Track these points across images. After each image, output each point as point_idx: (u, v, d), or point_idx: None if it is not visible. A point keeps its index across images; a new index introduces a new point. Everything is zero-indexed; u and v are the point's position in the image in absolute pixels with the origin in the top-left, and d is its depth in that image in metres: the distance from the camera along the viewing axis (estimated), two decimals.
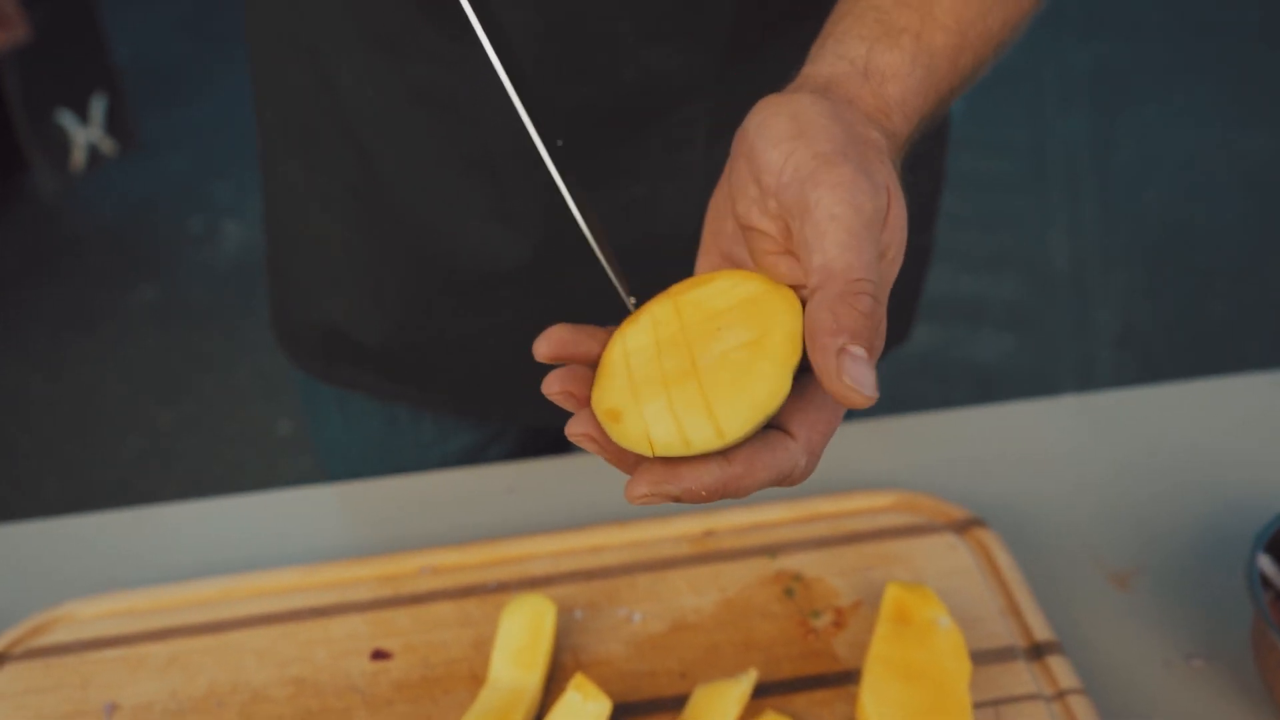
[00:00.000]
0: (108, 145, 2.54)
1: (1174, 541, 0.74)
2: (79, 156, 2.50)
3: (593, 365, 0.47)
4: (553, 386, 0.45)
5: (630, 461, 0.44)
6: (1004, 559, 0.69)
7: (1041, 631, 0.65)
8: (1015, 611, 0.67)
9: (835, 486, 0.78)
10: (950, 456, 0.81)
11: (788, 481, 0.43)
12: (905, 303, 0.90)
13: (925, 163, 0.84)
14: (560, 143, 0.48)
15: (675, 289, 0.48)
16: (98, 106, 2.50)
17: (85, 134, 2.50)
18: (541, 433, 0.91)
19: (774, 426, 0.44)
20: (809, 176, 0.44)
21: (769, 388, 0.42)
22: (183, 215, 2.61)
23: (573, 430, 0.44)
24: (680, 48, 0.67)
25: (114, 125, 2.54)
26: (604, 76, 0.67)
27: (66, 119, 2.46)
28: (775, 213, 0.46)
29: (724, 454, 0.42)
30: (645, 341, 0.46)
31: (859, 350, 0.41)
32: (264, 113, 0.80)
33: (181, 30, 3.25)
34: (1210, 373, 0.88)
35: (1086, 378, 2.14)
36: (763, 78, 0.71)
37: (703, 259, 0.51)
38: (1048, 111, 2.88)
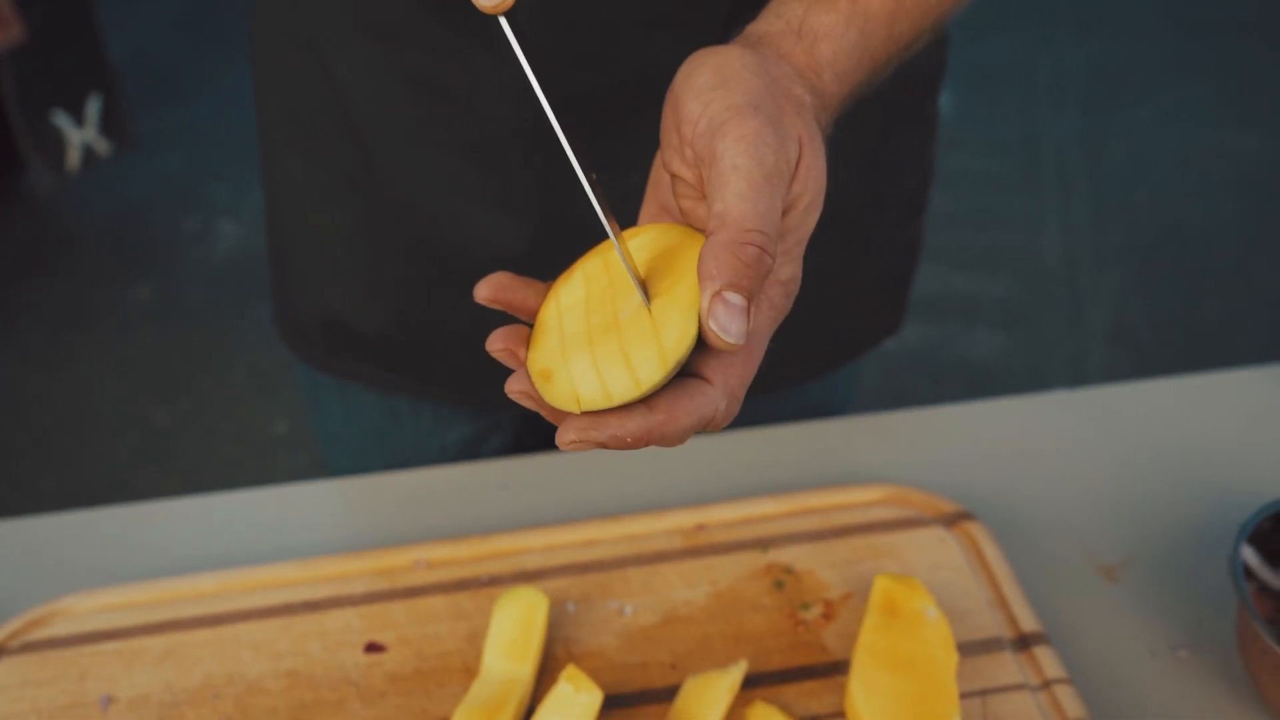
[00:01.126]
0: (103, 145, 2.54)
1: (1161, 534, 0.75)
2: (74, 156, 2.51)
3: (531, 317, 0.49)
4: (495, 344, 0.47)
5: (564, 419, 0.45)
6: (992, 552, 0.70)
7: (1028, 623, 0.66)
8: (1003, 603, 0.68)
9: (826, 481, 0.78)
10: (940, 451, 0.81)
11: (711, 425, 0.45)
12: (896, 294, 0.90)
13: (914, 155, 0.84)
14: (594, 176, 0.49)
15: (607, 244, 0.50)
16: (93, 106, 2.50)
17: (80, 134, 2.50)
18: (539, 423, 0.92)
19: (693, 375, 0.45)
20: (719, 127, 0.45)
21: (676, 333, 0.44)
22: (179, 214, 2.61)
23: (511, 388, 0.46)
24: (678, 37, 0.67)
25: (109, 125, 2.54)
26: (602, 65, 0.68)
27: (62, 119, 2.46)
28: (691, 161, 0.47)
29: (647, 403, 0.44)
30: (577, 298, 0.48)
31: (735, 297, 0.42)
32: (264, 105, 0.80)
33: (177, 30, 3.25)
34: (1202, 369, 0.89)
35: (1079, 375, 2.15)
36: None
37: (644, 209, 0.53)
38: (1041, 110, 2.88)
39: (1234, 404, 0.85)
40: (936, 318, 2.29)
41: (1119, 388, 0.88)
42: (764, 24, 0.52)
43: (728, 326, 0.43)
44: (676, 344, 0.44)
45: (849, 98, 0.53)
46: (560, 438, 0.44)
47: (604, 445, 0.44)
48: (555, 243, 0.75)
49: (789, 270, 0.48)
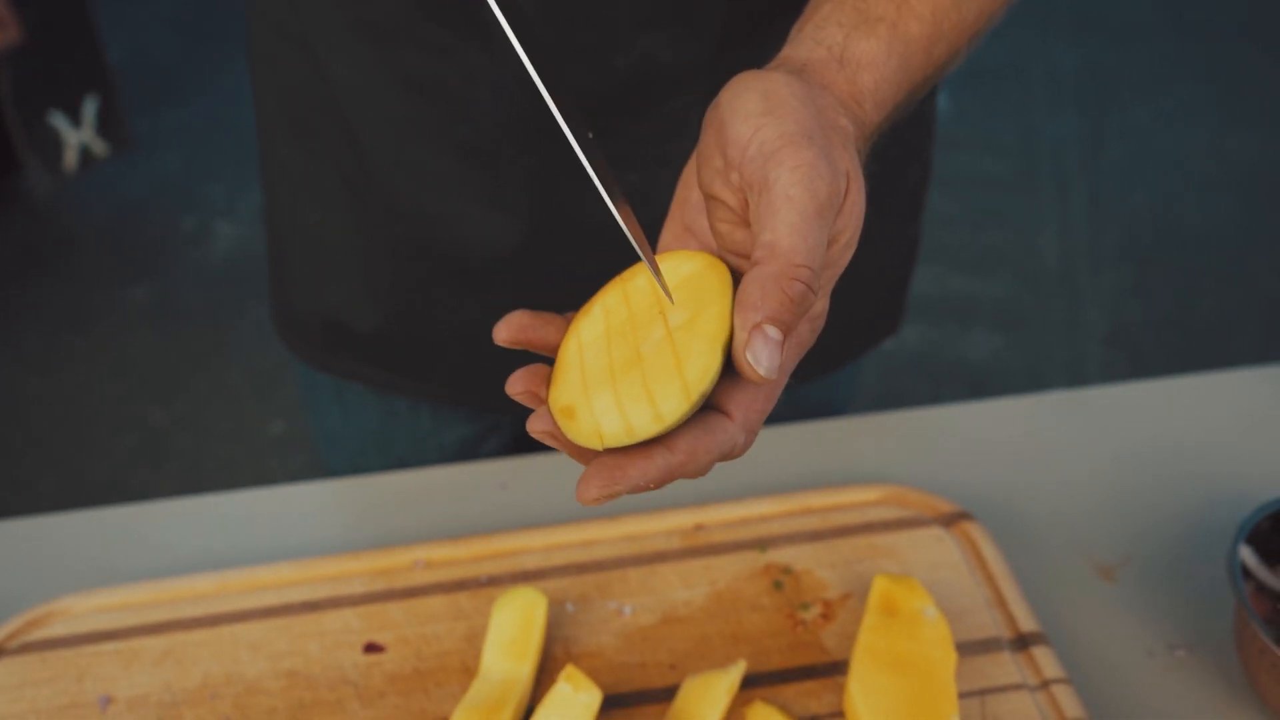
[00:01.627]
0: (100, 146, 2.54)
1: (1159, 534, 0.75)
2: (71, 157, 2.50)
3: (553, 353, 0.48)
4: (515, 387, 0.46)
5: (589, 456, 0.45)
6: (990, 552, 0.70)
7: (1027, 623, 0.66)
8: (1001, 603, 0.68)
9: (825, 481, 0.78)
10: (939, 451, 0.81)
11: (728, 458, 0.45)
12: (894, 294, 0.90)
13: (913, 155, 0.84)
14: (590, 135, 0.49)
15: (625, 275, 0.49)
16: (90, 107, 2.50)
17: (77, 135, 2.50)
18: None
19: (712, 407, 0.45)
20: (772, 154, 0.45)
21: (699, 367, 0.43)
22: (176, 215, 2.61)
23: (534, 428, 0.45)
24: (674, 36, 0.68)
25: (106, 126, 2.54)
26: (598, 64, 0.68)
27: (58, 120, 2.46)
28: (736, 185, 0.47)
29: (666, 443, 0.43)
30: (597, 332, 0.47)
31: (773, 331, 0.42)
32: (262, 104, 0.80)
33: (174, 31, 3.24)
34: (1199, 369, 0.89)
35: (1076, 376, 2.16)
36: (756, 66, 0.72)
37: (667, 229, 0.53)
38: (1037, 111, 2.89)
39: (1231, 404, 0.85)
40: (935, 319, 2.29)
41: (1117, 388, 0.88)
42: (804, 50, 0.51)
43: (761, 359, 0.42)
44: (699, 378, 0.43)
45: (886, 125, 0.53)
46: (582, 496, 0.43)
47: (627, 493, 0.43)
48: (549, 240, 0.75)
49: (820, 305, 0.47)
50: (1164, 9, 3.26)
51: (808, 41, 0.52)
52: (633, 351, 0.46)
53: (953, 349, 2.24)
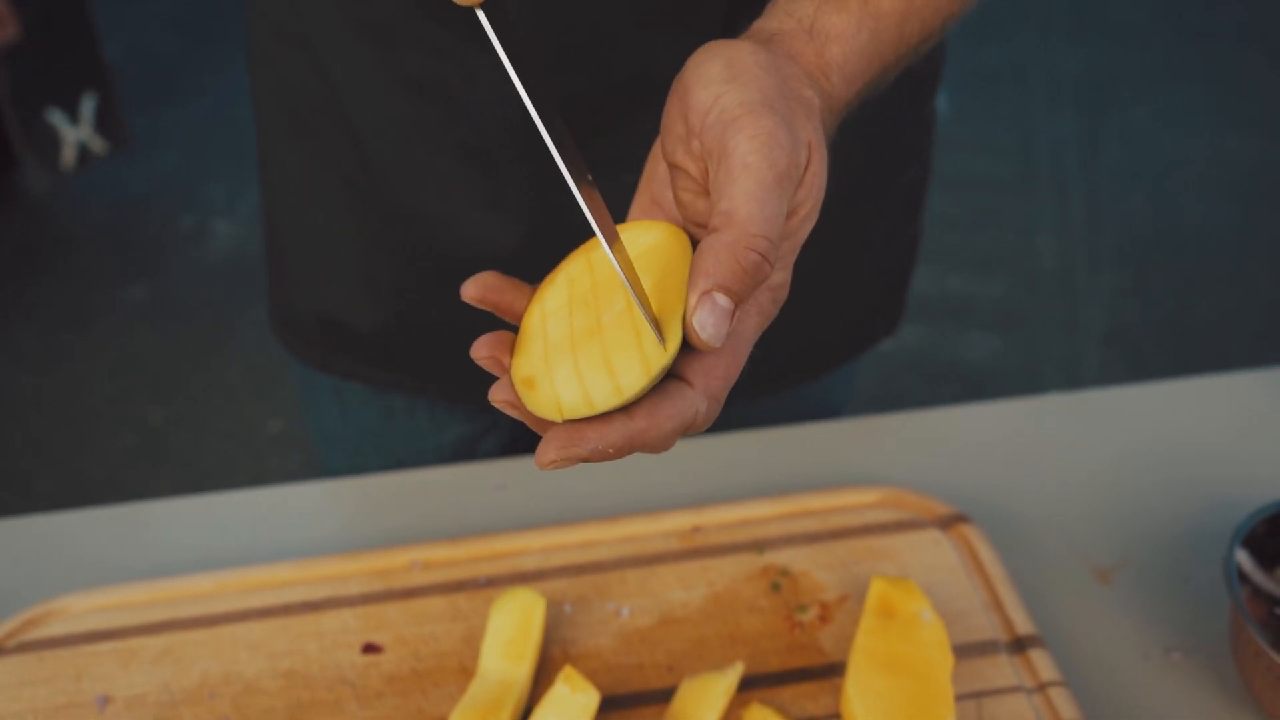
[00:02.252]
0: (98, 144, 2.53)
1: (1155, 537, 0.75)
2: (69, 155, 2.50)
3: (518, 320, 0.48)
4: (480, 350, 0.46)
5: (548, 427, 0.44)
6: (987, 554, 0.70)
7: (1023, 625, 0.66)
8: (998, 606, 0.68)
9: (823, 483, 0.79)
10: (937, 453, 0.82)
11: (693, 428, 0.45)
12: (894, 293, 0.90)
13: (913, 155, 0.85)
14: (590, 178, 0.49)
15: (589, 244, 0.49)
16: (88, 105, 2.50)
17: (75, 133, 2.49)
18: None
19: (674, 376, 0.44)
20: (731, 122, 0.44)
21: (657, 338, 0.43)
22: (173, 214, 2.61)
23: (494, 397, 0.45)
24: (674, 37, 0.68)
25: (104, 124, 2.53)
26: (598, 65, 0.68)
27: (56, 117, 2.46)
28: (697, 153, 0.46)
29: (627, 411, 0.43)
30: (560, 302, 0.47)
31: (723, 299, 0.42)
32: (262, 106, 0.80)
33: (172, 29, 3.24)
34: (1196, 372, 0.89)
35: (1074, 377, 2.16)
36: None
37: (635, 202, 0.53)
38: (1036, 113, 2.89)
39: (1228, 407, 0.85)
40: (933, 320, 2.30)
41: (1114, 390, 0.88)
42: (774, 21, 0.51)
43: (707, 326, 0.42)
44: (658, 351, 0.43)
45: (856, 100, 0.52)
46: (540, 458, 0.43)
47: (586, 459, 0.43)
48: (549, 242, 0.75)
49: (780, 276, 0.47)
50: (1163, 11, 3.26)
51: (779, 14, 0.52)
52: (594, 321, 0.46)
53: (951, 350, 2.25)
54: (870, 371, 2.16)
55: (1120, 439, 0.82)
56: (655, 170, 0.52)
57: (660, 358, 0.43)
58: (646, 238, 0.48)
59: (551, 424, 0.44)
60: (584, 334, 0.45)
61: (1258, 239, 2.49)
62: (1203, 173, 2.69)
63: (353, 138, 0.75)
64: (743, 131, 0.44)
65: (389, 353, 0.83)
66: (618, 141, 0.72)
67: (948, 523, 0.73)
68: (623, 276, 0.45)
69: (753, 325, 0.47)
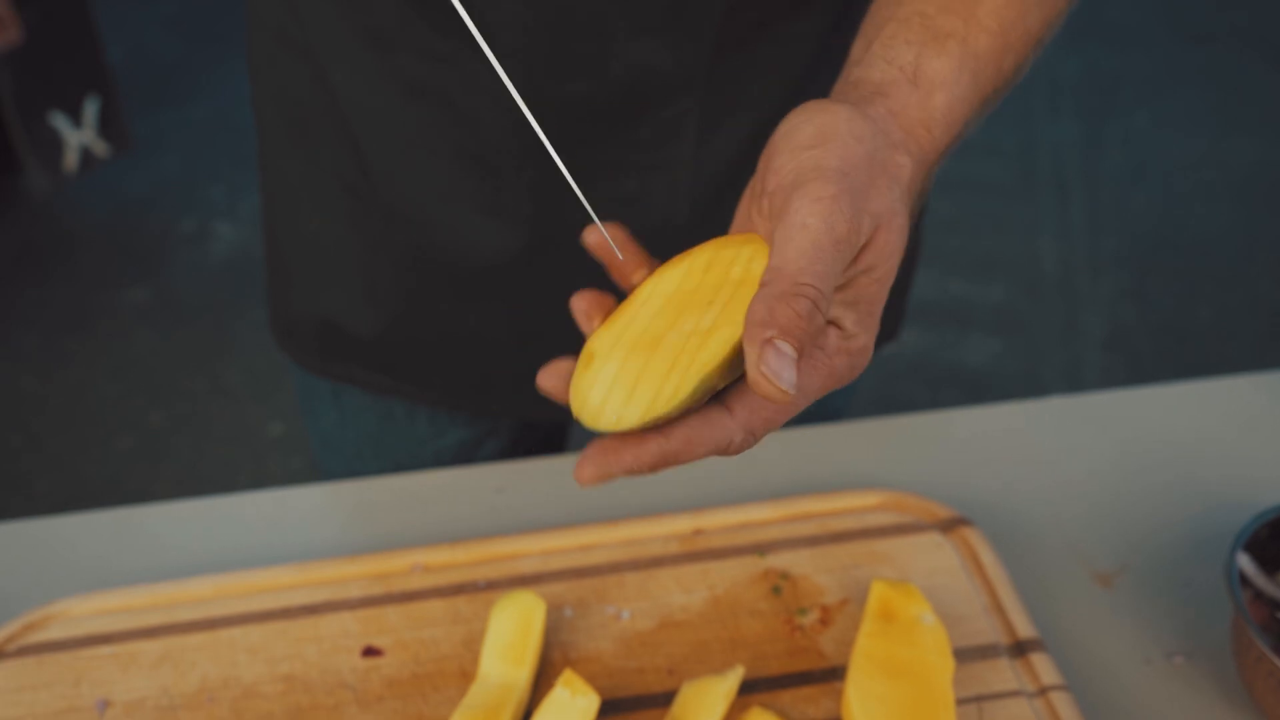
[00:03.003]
0: (100, 146, 2.54)
1: (1158, 541, 0.75)
2: (72, 158, 2.51)
3: (622, 282, 0.50)
4: (579, 303, 0.48)
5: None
6: (988, 557, 0.70)
7: (1025, 629, 0.66)
8: (999, 609, 0.68)
9: (823, 486, 0.78)
10: (937, 457, 0.82)
11: (725, 453, 0.45)
12: (894, 299, 0.90)
13: None
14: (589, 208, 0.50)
15: (725, 240, 0.49)
16: (90, 108, 2.50)
17: (78, 135, 2.50)
18: (535, 428, 0.92)
19: (718, 401, 0.45)
20: (800, 185, 0.45)
21: (695, 374, 0.44)
22: (175, 216, 2.61)
23: (542, 383, 0.47)
24: (669, 42, 0.68)
25: (106, 126, 2.54)
26: (594, 70, 0.68)
27: (59, 120, 2.46)
28: (766, 213, 0.47)
29: (664, 431, 0.44)
30: (668, 288, 0.48)
31: (786, 346, 0.42)
32: (261, 110, 0.80)
33: (174, 32, 3.25)
34: (1197, 375, 0.89)
35: (1075, 381, 2.16)
36: (751, 72, 0.72)
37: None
38: (1037, 117, 2.89)
39: (1230, 411, 0.85)
40: (933, 324, 2.30)
41: (1115, 394, 0.88)
42: (877, 71, 0.51)
43: (778, 373, 0.41)
44: (699, 384, 0.44)
45: (955, 144, 0.52)
46: (579, 475, 0.44)
47: (621, 476, 0.44)
48: (548, 248, 0.75)
49: (862, 340, 0.47)
50: (1163, 14, 3.27)
51: (879, 62, 0.51)
52: (666, 329, 0.46)
53: (951, 354, 2.24)
54: (871, 375, 2.16)
55: (1121, 442, 0.82)
56: (741, 227, 0.52)
57: (695, 393, 0.44)
58: (759, 264, 0.47)
59: (587, 451, 0.45)
60: (648, 339, 0.46)
61: (1259, 242, 2.49)
62: (1203, 176, 2.69)
63: (352, 143, 0.75)
64: (807, 195, 0.44)
65: (389, 358, 0.83)
66: (614, 146, 0.72)
67: (949, 526, 0.73)
68: (610, 242, 0.46)
69: (817, 384, 0.46)
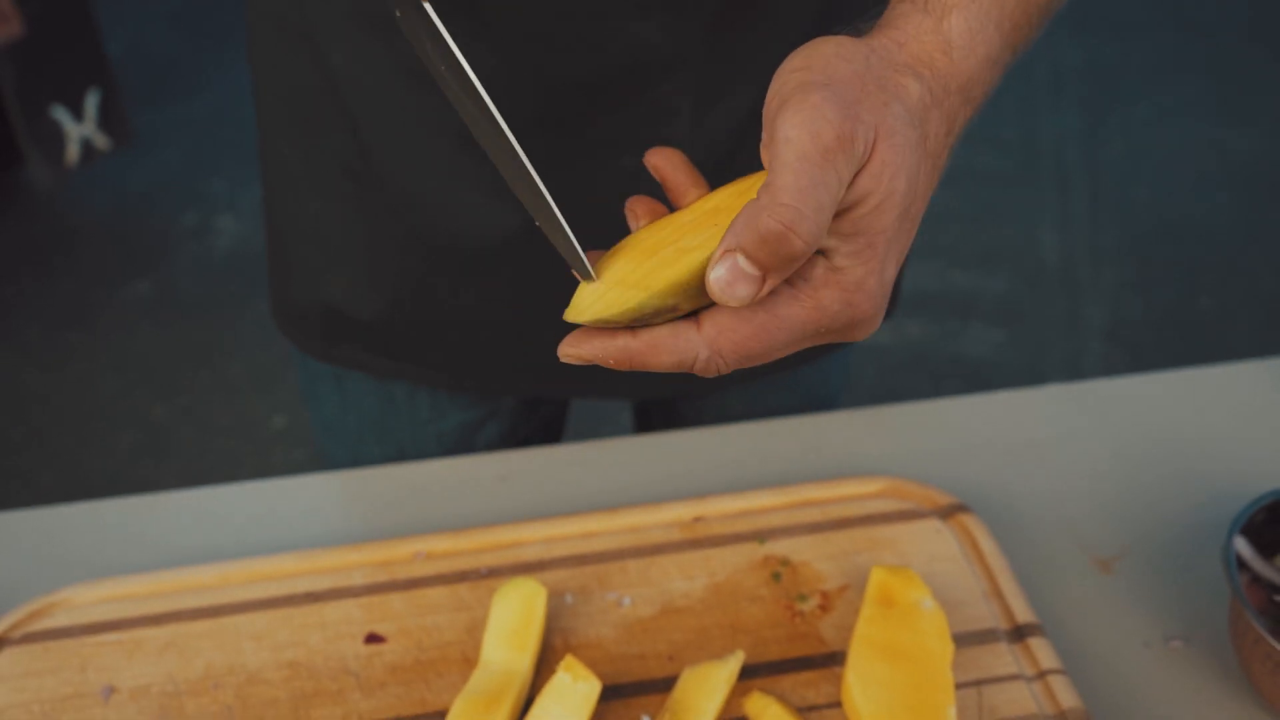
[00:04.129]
0: (102, 140, 2.54)
1: (1156, 526, 0.75)
2: (73, 151, 2.51)
3: (674, 193, 0.51)
4: (634, 203, 0.50)
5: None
6: (987, 544, 0.71)
7: (1023, 614, 0.66)
8: (998, 595, 0.68)
9: (823, 473, 0.79)
10: (937, 444, 0.82)
11: (693, 370, 0.46)
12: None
13: None
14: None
15: (759, 177, 0.49)
16: (92, 101, 2.50)
17: (79, 129, 2.50)
18: (536, 410, 0.93)
19: (693, 317, 0.46)
20: (784, 103, 0.43)
21: (665, 278, 0.45)
22: (177, 210, 2.61)
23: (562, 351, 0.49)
24: (665, 21, 0.68)
25: (108, 120, 2.54)
26: (591, 50, 0.68)
27: (61, 114, 2.46)
28: (766, 142, 0.45)
29: (633, 330, 0.46)
30: (694, 212, 0.49)
31: (745, 263, 0.42)
32: (262, 98, 0.81)
33: (175, 25, 3.25)
34: (1197, 365, 0.90)
35: (1076, 371, 2.16)
36: (748, 50, 0.72)
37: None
38: (1039, 108, 2.89)
39: (1228, 397, 0.85)
40: (935, 314, 2.30)
41: (1114, 381, 0.88)
42: (894, 4, 0.49)
43: (721, 279, 0.43)
44: (649, 298, 0.45)
45: (986, 71, 0.50)
46: (560, 350, 0.47)
47: (590, 361, 0.46)
48: None
49: (857, 274, 0.45)
50: (1164, 5, 3.26)
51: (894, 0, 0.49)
52: (664, 243, 0.48)
53: (952, 344, 2.25)
54: (872, 366, 2.17)
55: (1120, 429, 0.83)
56: None
57: (645, 303, 0.45)
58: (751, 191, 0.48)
59: (569, 330, 0.48)
60: (645, 251, 0.48)
61: (1259, 233, 2.49)
62: (1204, 167, 2.69)
63: (352, 127, 0.76)
64: (788, 109, 0.43)
65: (390, 341, 0.83)
66: (610, 126, 0.72)
67: (948, 512, 0.73)
68: (556, 212, 0.48)
69: (799, 313, 0.45)
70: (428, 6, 0.44)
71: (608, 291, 0.46)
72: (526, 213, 0.76)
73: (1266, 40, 3.12)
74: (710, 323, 0.45)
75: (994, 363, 2.20)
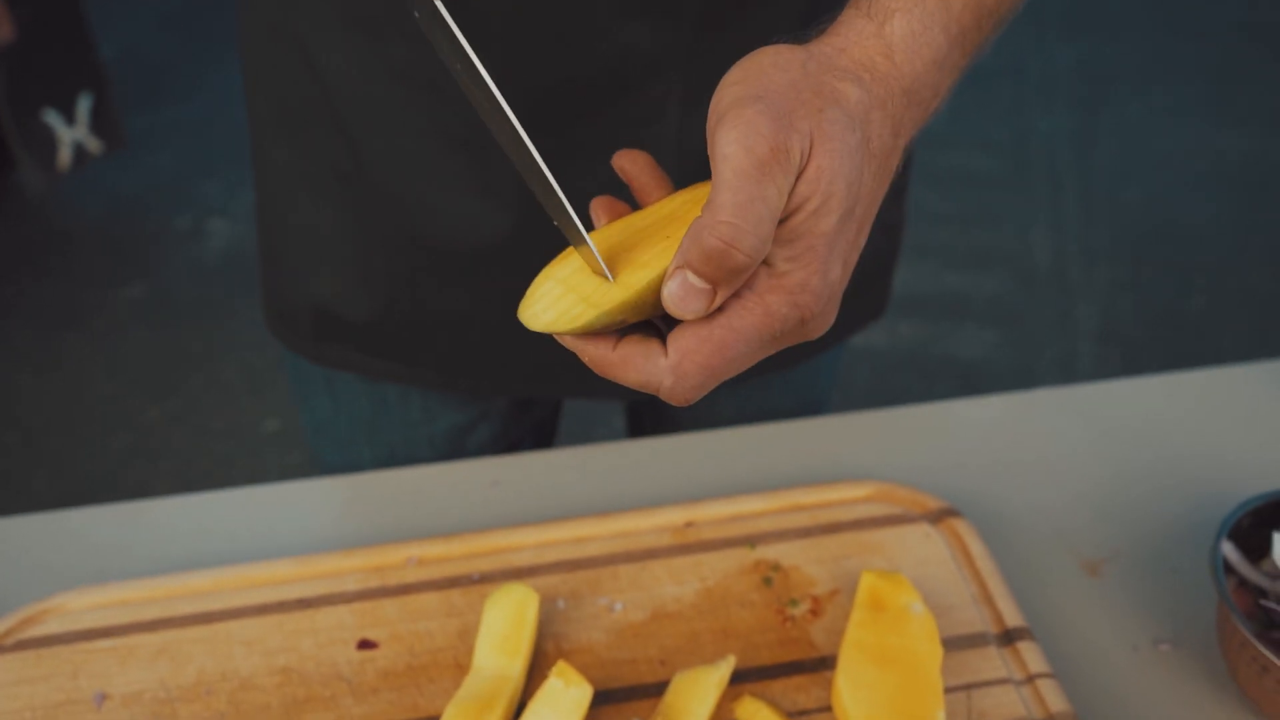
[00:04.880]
0: (94, 144, 2.54)
1: (1144, 530, 0.76)
2: (65, 155, 2.50)
3: (639, 193, 0.53)
4: (598, 203, 0.52)
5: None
6: (977, 548, 0.71)
7: (1013, 618, 0.67)
8: (987, 599, 0.68)
9: (814, 478, 0.79)
10: (927, 448, 0.82)
11: (657, 394, 0.47)
12: (878, 277, 0.91)
13: None
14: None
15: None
16: (83, 105, 2.50)
17: (71, 132, 2.49)
18: (527, 411, 0.93)
19: (662, 340, 0.47)
20: (720, 119, 0.45)
21: (612, 299, 0.47)
22: (169, 213, 2.61)
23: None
24: (652, 23, 0.68)
25: (100, 123, 2.53)
26: (578, 52, 0.69)
27: (52, 118, 2.46)
28: (710, 157, 0.47)
29: (612, 339, 0.48)
30: (648, 217, 0.51)
31: (694, 278, 0.44)
32: (253, 101, 0.81)
33: (168, 28, 3.24)
34: (1191, 366, 0.90)
35: (1069, 373, 2.17)
36: (734, 53, 0.72)
37: None
38: (1031, 109, 2.90)
39: (1216, 401, 0.86)
40: (927, 315, 2.30)
41: (1103, 385, 0.88)
42: (838, 14, 0.51)
43: (674, 294, 0.45)
44: (598, 317, 0.46)
45: (932, 74, 0.50)
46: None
47: (570, 347, 0.48)
48: (538, 229, 0.76)
49: (798, 276, 0.46)
50: (1157, 6, 3.27)
51: (849, 3, 0.51)
52: (623, 252, 0.49)
53: (945, 346, 2.25)
54: (866, 367, 2.17)
55: (1108, 432, 0.83)
56: None
57: (595, 318, 0.47)
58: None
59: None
60: (604, 255, 0.49)
61: (1252, 234, 2.49)
62: (1197, 167, 2.70)
63: (343, 129, 0.76)
64: (725, 124, 0.44)
65: (382, 342, 0.84)
66: (597, 128, 0.72)
67: (938, 517, 0.74)
68: (571, 214, 0.49)
69: (751, 322, 0.46)
70: (439, 3, 0.45)
71: (561, 298, 0.48)
72: (517, 214, 0.77)
73: (1258, 40, 3.13)
74: (674, 349, 0.46)
75: (987, 363, 2.21)
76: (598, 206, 0.53)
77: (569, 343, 0.49)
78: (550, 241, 0.76)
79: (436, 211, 0.76)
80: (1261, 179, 2.65)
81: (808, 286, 0.46)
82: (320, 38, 0.73)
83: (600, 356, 0.48)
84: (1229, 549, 0.66)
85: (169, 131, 2.85)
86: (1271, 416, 0.84)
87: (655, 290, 0.46)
